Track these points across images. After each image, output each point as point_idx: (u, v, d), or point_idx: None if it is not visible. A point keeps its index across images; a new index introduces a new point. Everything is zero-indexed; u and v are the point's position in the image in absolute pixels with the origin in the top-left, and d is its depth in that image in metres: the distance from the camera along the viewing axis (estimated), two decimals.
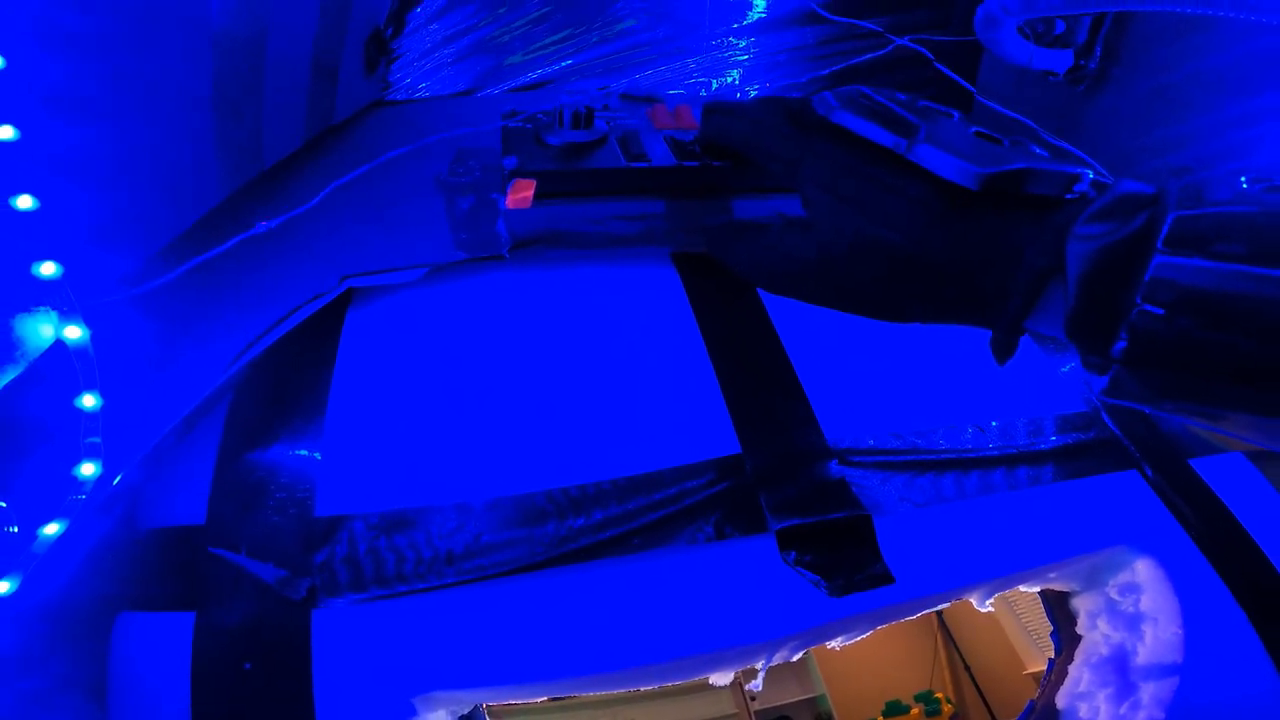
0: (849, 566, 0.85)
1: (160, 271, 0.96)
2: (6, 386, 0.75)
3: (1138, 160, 1.23)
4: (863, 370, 1.07)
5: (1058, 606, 1.06)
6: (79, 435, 0.84)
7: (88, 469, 0.83)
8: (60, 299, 0.84)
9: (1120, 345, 0.39)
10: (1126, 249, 0.38)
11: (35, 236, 0.80)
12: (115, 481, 0.86)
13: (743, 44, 2.15)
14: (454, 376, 0.99)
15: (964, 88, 1.35)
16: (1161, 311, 0.36)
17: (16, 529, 0.77)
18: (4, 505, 0.75)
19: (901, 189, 0.47)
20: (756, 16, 2.13)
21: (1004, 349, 0.49)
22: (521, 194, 1.08)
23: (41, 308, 0.83)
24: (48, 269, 0.82)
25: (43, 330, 0.83)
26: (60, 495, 0.82)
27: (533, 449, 0.92)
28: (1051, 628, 1.09)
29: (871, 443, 0.96)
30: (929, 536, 0.91)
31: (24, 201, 0.77)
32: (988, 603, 1.00)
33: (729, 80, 2.15)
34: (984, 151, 0.45)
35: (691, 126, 1.30)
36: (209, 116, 1.09)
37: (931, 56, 1.31)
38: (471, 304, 1.10)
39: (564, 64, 2.14)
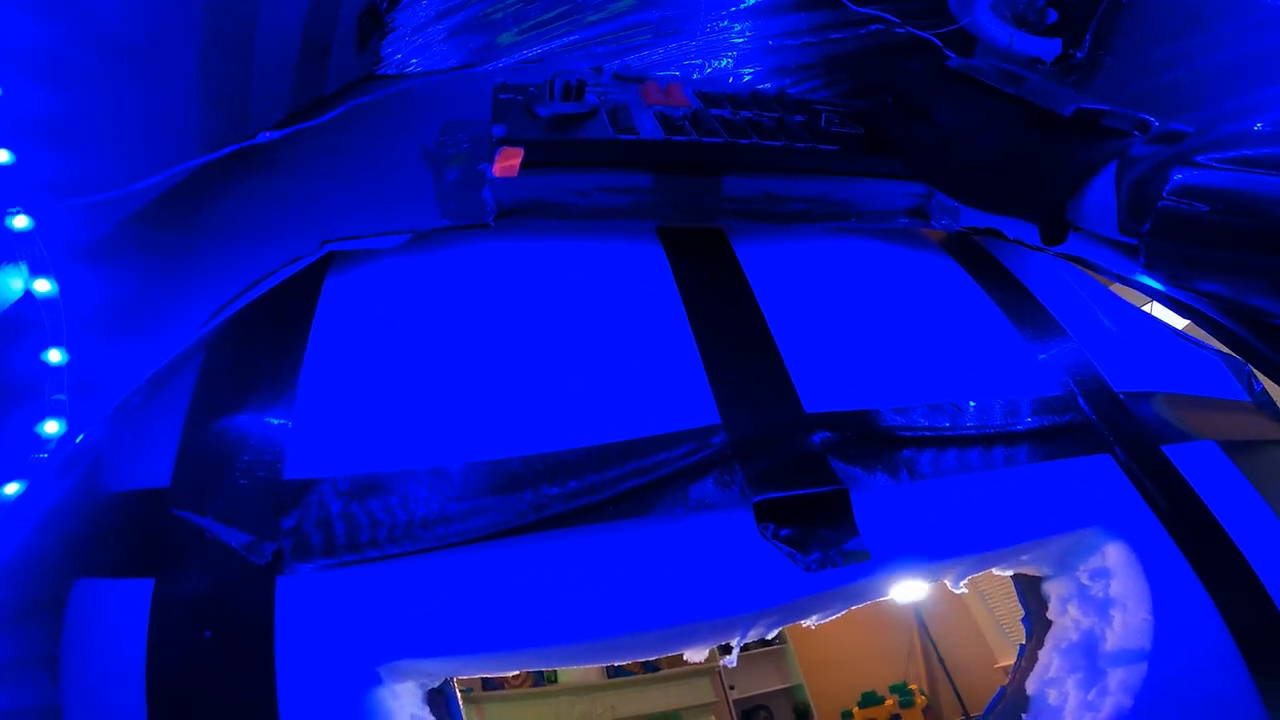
0: (826, 541, 0.84)
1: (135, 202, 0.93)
2: None
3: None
4: (844, 346, 1.07)
5: (1029, 592, 1.07)
6: (44, 391, 0.82)
7: (51, 426, 0.81)
8: (31, 251, 0.81)
9: (1147, 225, 0.73)
10: (1160, 165, 0.71)
11: (8, 190, 0.78)
12: (78, 440, 0.84)
13: (738, 28, 2.14)
14: (431, 343, 0.98)
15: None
16: (1181, 203, 0.68)
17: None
18: None
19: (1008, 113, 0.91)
20: (752, 1, 2.12)
21: (1052, 231, 0.91)
22: (508, 162, 1.07)
23: (11, 260, 0.80)
24: (20, 221, 0.80)
25: (12, 283, 0.81)
26: (22, 453, 0.80)
27: (509, 415, 0.90)
28: (1023, 613, 1.10)
29: (850, 416, 0.96)
30: (906, 513, 0.91)
31: None
32: (961, 584, 1.00)
33: (723, 64, 2.13)
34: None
35: (683, 104, 1.29)
36: (194, 80, 1.06)
37: (940, 44, 1.31)
38: (452, 272, 1.09)
39: (557, 43, 2.11)
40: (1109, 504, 1.00)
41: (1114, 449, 1.03)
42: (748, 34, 2.11)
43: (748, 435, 0.91)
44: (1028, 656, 1.04)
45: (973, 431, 0.99)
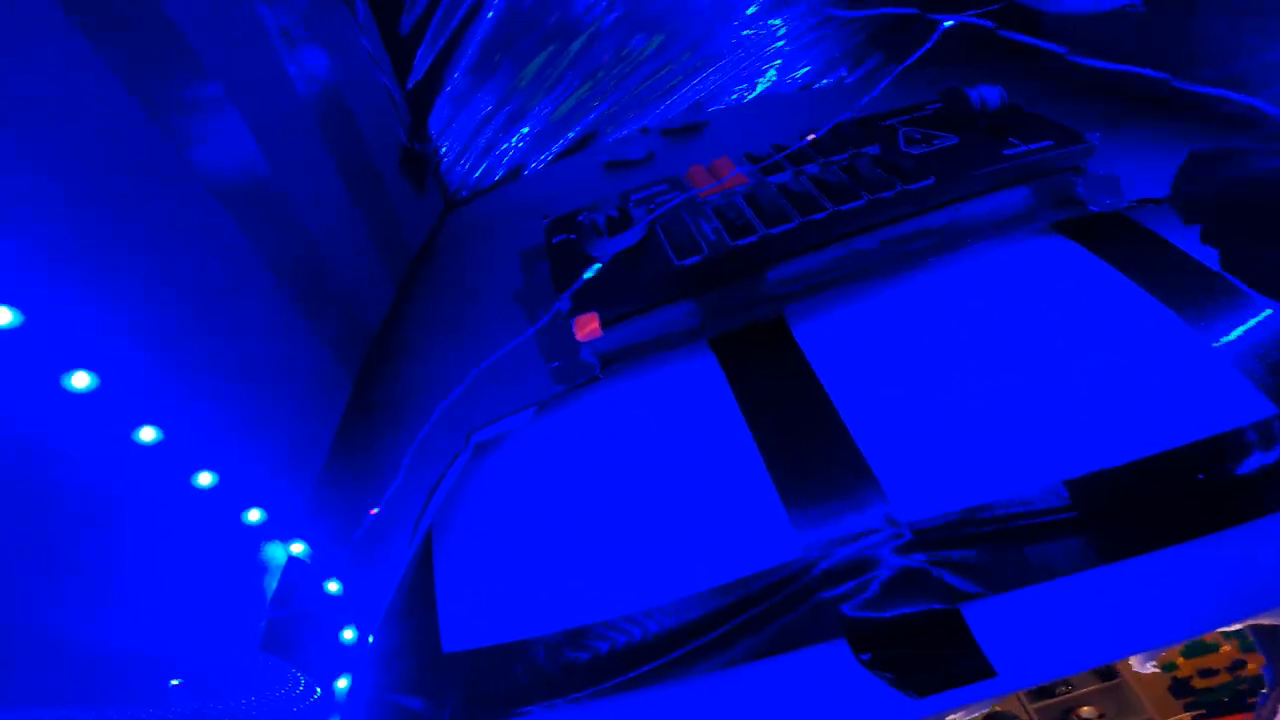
0: (936, 662, 0.79)
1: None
2: (274, 598, 0.96)
3: (1257, 79, 1.00)
4: (941, 426, 0.94)
5: (1269, 640, 0.93)
6: (336, 613, 1.05)
7: (348, 634, 1.05)
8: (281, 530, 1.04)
9: None
10: None
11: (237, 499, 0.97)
12: (370, 640, 1.06)
13: (764, 30, 2.01)
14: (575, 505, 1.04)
15: (1050, 50, 1.17)
16: None
17: (320, 691, 0.99)
18: (303, 678, 0.97)
19: None
20: None
21: None
22: (589, 328, 1.12)
23: (274, 541, 1.03)
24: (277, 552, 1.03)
25: (280, 554, 1.04)
26: (339, 657, 1.03)
27: (598, 577, 0.95)
28: (1265, 661, 0.97)
29: (956, 513, 0.85)
30: (1038, 617, 0.80)
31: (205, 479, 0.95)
32: (1149, 664, 0.89)
33: (769, 78, 2.02)
34: None
35: (736, 181, 1.26)
36: (300, 324, 1.23)
37: (992, 25, 1.15)
38: (537, 438, 1.14)
39: (596, 114, 2.13)
40: None
41: None
42: (781, 34, 1.97)
43: (832, 561, 0.86)
44: (1269, 706, 0.91)
45: (1073, 514, 0.82)
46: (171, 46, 0.98)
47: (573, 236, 1.28)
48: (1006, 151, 1.17)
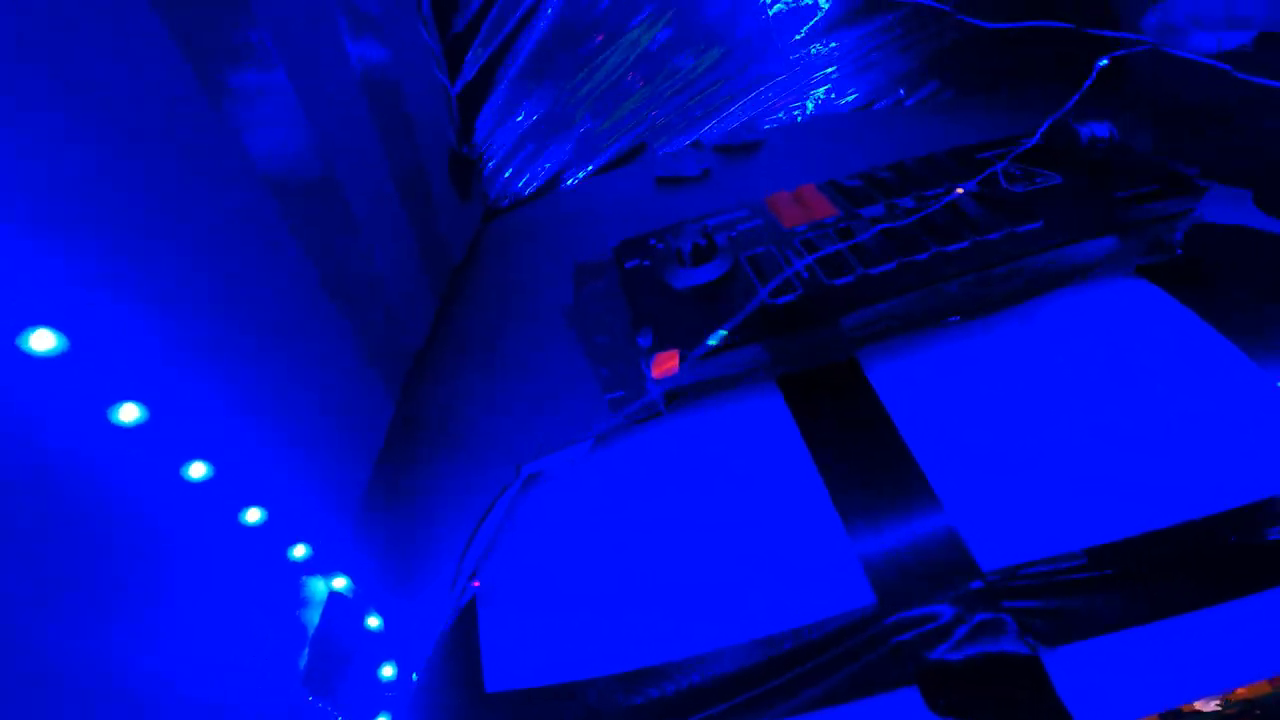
0: (1014, 710, 0.76)
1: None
2: (315, 636, 0.91)
3: None
4: (1018, 473, 0.91)
5: None
6: (376, 649, 1.00)
7: (388, 670, 1.00)
8: (324, 564, 0.96)
9: None
10: None
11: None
12: (413, 678, 0.98)
13: (820, 51, 1.94)
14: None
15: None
16: None
17: None
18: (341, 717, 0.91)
19: None
20: (820, 17, 1.90)
21: None
22: (666, 365, 1.04)
23: (316, 576, 0.96)
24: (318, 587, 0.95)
25: (321, 589, 0.96)
26: (378, 695, 0.98)
27: (662, 620, 0.90)
28: None
29: (1040, 559, 0.83)
30: (1112, 664, 0.78)
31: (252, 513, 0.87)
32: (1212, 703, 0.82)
33: (821, 97, 1.95)
34: None
35: (826, 211, 1.17)
36: (348, 341, 1.14)
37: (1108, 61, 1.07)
38: (595, 471, 1.08)
39: (646, 125, 2.06)
40: None
41: None
42: (834, 55, 1.91)
43: (909, 608, 0.82)
44: None
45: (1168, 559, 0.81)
46: (233, 14, 0.89)
47: (647, 263, 1.19)
48: (1117, 194, 1.09)
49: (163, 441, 0.73)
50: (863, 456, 0.97)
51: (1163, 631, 0.82)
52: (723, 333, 0.96)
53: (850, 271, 1.04)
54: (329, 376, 1.12)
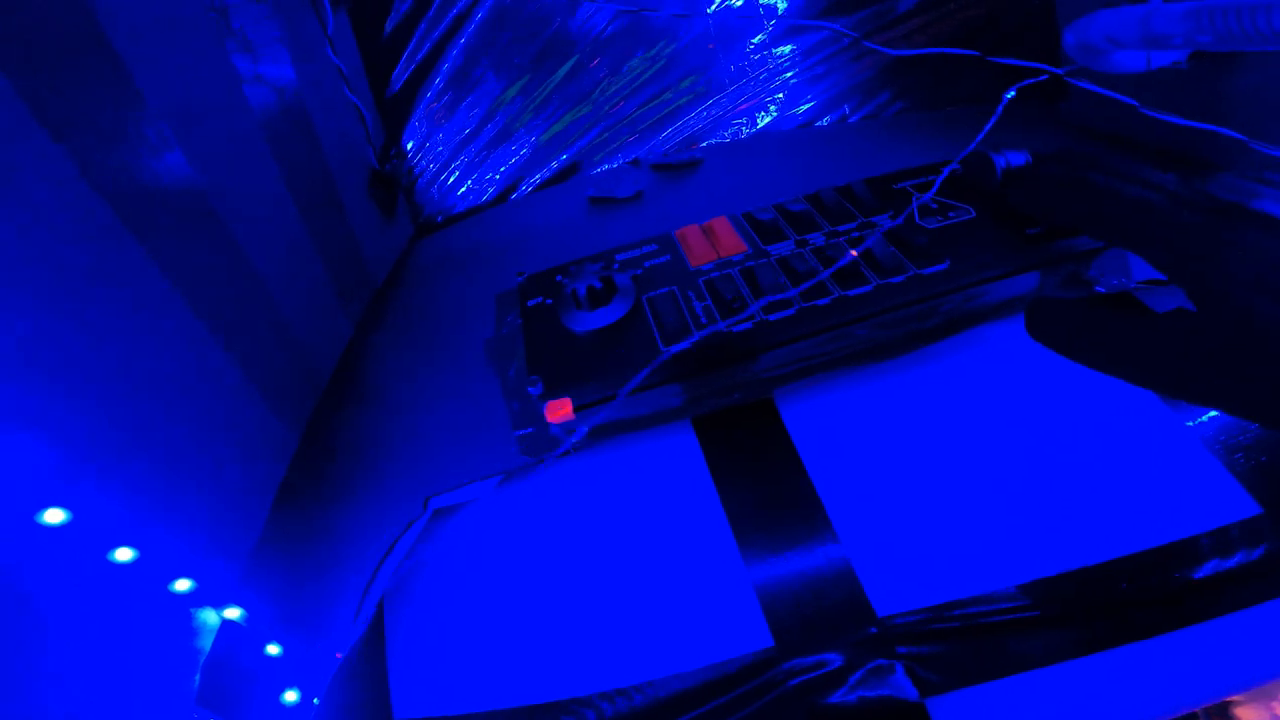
0: None
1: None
2: (209, 658, 0.89)
3: None
4: (914, 526, 0.89)
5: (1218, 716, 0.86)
6: (276, 674, 0.97)
7: (290, 695, 0.97)
8: (213, 597, 0.94)
9: None
10: None
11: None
12: (315, 702, 0.97)
13: (769, 65, 1.89)
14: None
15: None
16: None
17: None
18: None
19: None
20: (769, 31, 1.86)
21: None
22: (561, 413, 0.99)
23: (206, 607, 0.94)
24: (210, 617, 0.92)
25: (214, 618, 0.95)
26: (282, 717, 0.96)
27: (571, 654, 0.88)
28: None
29: (927, 609, 0.81)
30: (1005, 710, 0.76)
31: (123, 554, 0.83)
32: None
33: (771, 113, 1.91)
34: None
35: (736, 249, 1.13)
36: (233, 374, 1.09)
37: (1060, 71, 1.04)
38: (515, 504, 1.06)
39: (587, 139, 2.01)
40: None
41: None
42: (780, 66, 1.86)
43: (805, 657, 0.81)
44: None
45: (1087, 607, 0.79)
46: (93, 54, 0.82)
47: (549, 301, 1.15)
48: (1030, 231, 1.07)
49: (12, 491, 0.68)
50: (769, 499, 0.94)
51: (1055, 676, 0.81)
52: (612, 395, 0.93)
53: (749, 319, 1.01)
54: (216, 416, 1.08)
